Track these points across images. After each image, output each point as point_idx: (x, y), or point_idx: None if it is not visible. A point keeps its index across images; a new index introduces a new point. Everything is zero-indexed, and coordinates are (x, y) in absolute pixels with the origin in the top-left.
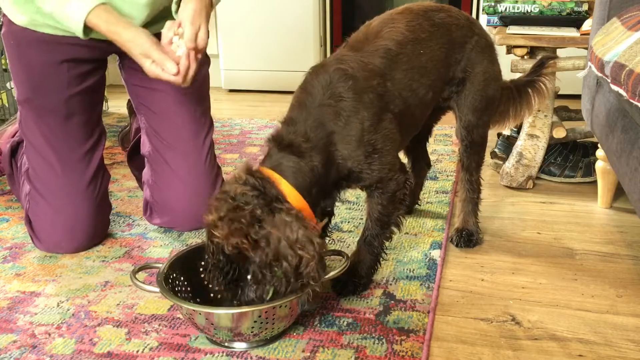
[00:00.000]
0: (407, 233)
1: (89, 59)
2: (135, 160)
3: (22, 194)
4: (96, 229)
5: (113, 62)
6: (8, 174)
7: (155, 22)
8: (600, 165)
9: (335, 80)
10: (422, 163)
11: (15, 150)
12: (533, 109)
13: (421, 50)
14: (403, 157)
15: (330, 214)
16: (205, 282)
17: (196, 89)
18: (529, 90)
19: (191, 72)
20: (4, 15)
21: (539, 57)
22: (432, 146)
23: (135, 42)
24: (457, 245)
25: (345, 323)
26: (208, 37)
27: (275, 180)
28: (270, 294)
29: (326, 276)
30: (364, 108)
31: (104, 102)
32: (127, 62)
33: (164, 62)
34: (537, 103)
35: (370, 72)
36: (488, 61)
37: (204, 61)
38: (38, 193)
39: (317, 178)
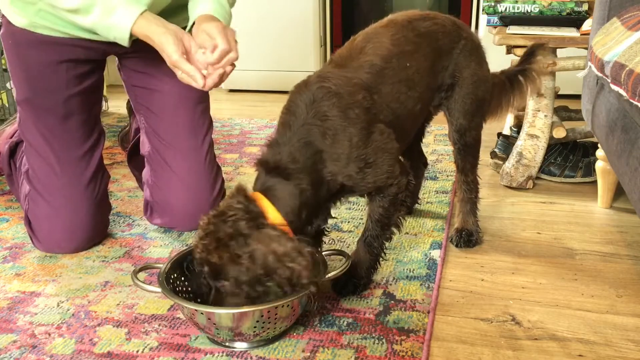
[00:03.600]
0: (407, 233)
1: (88, 60)
2: (135, 160)
3: (22, 195)
4: (96, 229)
5: (112, 62)
6: (7, 175)
7: None
8: (600, 165)
9: (318, 98)
10: (419, 163)
11: (14, 150)
12: (526, 98)
13: (407, 63)
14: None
15: (322, 232)
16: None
17: (196, 89)
18: (521, 79)
19: (216, 84)
20: (3, 16)
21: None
22: (432, 146)
23: (164, 52)
24: (457, 245)
25: (345, 323)
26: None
27: (261, 204)
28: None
29: (326, 276)
30: (350, 124)
31: (104, 102)
32: (126, 63)
33: (193, 74)
34: (530, 91)
35: (354, 86)
36: (476, 63)
37: None
38: (37, 193)
39: (306, 199)
